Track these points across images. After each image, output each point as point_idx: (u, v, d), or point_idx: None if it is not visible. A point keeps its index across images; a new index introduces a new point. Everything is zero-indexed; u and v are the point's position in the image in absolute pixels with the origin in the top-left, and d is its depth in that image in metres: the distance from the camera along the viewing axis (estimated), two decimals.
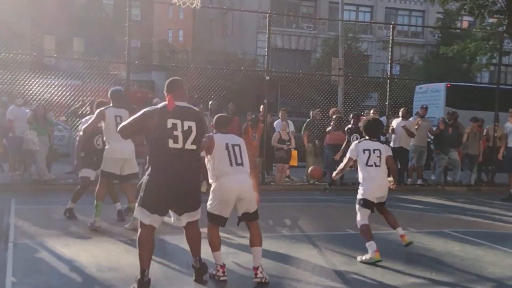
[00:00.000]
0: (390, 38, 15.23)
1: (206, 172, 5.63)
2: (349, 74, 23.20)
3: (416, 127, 14.09)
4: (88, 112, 9.89)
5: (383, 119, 15.17)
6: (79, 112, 11.76)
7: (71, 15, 32.79)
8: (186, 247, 5.55)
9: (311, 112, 15.09)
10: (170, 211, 5.23)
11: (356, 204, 7.00)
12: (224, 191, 5.48)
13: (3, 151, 12.87)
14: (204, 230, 5.54)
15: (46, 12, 33.19)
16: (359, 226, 6.87)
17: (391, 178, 7.09)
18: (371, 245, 6.60)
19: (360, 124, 7.37)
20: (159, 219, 5.05)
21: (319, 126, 14.51)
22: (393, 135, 14.19)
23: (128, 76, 12.86)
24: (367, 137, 7.03)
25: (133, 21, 13.57)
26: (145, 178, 5.07)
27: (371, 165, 6.82)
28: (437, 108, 20.15)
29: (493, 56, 20.56)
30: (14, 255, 6.37)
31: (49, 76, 15.30)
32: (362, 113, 14.00)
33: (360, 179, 6.98)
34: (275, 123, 15.09)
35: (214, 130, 5.83)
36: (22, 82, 14.04)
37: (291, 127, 14.62)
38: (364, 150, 6.86)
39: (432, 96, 21.49)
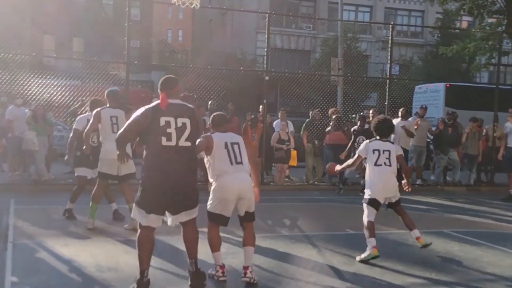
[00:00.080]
0: (390, 38, 15.23)
1: None
2: (349, 74, 23.22)
3: (416, 127, 14.09)
4: (87, 113, 9.90)
5: None
6: (79, 112, 11.77)
7: (71, 15, 32.78)
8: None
9: (311, 112, 15.08)
10: (166, 212, 5.17)
11: (363, 202, 7.00)
12: (225, 190, 5.46)
13: (2, 151, 12.87)
14: (204, 230, 5.54)
15: (46, 12, 33.21)
16: (364, 223, 6.86)
17: (405, 181, 7.06)
18: (371, 242, 6.61)
19: (371, 124, 7.35)
20: (156, 219, 5.01)
21: (319, 126, 14.50)
22: (392, 135, 14.18)
23: (127, 76, 12.86)
24: (377, 137, 7.03)
25: (132, 21, 13.57)
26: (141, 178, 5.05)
27: (380, 165, 6.80)
28: (437, 108, 20.16)
29: (492, 56, 20.57)
30: (14, 255, 6.37)
31: (48, 76, 15.31)
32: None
33: (367, 179, 6.98)
34: (274, 123, 15.08)
35: (212, 130, 5.80)
36: (21, 82, 14.05)
37: (291, 127, 14.61)
38: (374, 150, 6.85)
39: (431, 96, 21.49)
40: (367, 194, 6.93)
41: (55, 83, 15.04)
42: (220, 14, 40.28)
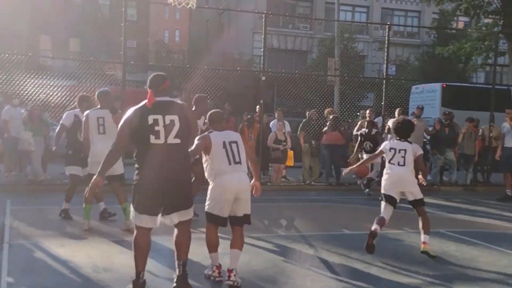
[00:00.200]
0: (386, 38, 15.24)
1: None
2: (345, 75, 23.26)
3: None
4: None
5: (379, 119, 15.22)
6: None
7: (68, 15, 32.73)
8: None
9: (307, 112, 15.08)
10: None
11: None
12: (222, 190, 5.42)
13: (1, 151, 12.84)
14: (203, 230, 5.52)
15: (43, 12, 33.16)
16: (382, 214, 7.12)
17: (421, 176, 7.25)
18: (375, 228, 6.90)
19: (390, 126, 7.53)
20: (149, 220, 4.90)
21: (315, 126, 14.50)
22: (389, 135, 14.19)
23: (124, 76, 12.82)
24: (397, 138, 7.26)
25: (129, 21, 13.55)
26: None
27: (394, 164, 7.05)
28: (433, 108, 20.15)
29: (489, 56, 20.62)
30: (10, 256, 6.35)
31: (45, 77, 15.27)
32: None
33: (383, 176, 7.27)
34: (271, 124, 15.09)
35: (209, 128, 5.75)
36: (18, 82, 14.02)
37: (287, 127, 14.61)
38: (391, 149, 7.14)
39: (428, 96, 21.49)
40: (381, 190, 7.21)
41: (52, 83, 15.01)
42: (217, 14, 40.30)
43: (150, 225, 4.94)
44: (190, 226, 5.16)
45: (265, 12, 15.25)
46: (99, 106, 7.97)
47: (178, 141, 4.86)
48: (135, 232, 5.00)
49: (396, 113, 14.23)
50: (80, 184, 8.54)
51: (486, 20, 21.97)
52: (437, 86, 21.37)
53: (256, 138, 13.75)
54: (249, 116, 14.34)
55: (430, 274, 6.21)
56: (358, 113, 15.10)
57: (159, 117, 4.81)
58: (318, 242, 7.67)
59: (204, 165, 5.58)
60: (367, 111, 14.86)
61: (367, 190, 12.49)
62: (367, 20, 39.29)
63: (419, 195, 7.05)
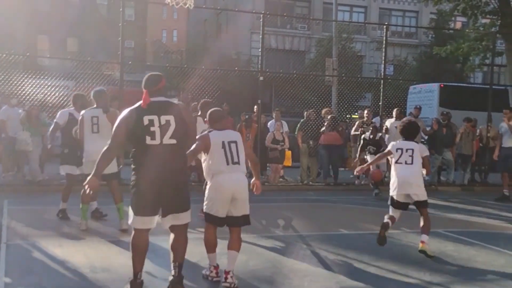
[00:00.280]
0: (384, 38, 15.26)
1: None
2: (343, 75, 23.24)
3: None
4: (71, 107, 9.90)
5: (377, 119, 15.24)
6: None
7: (65, 15, 32.73)
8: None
9: (305, 113, 15.09)
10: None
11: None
12: (219, 189, 5.41)
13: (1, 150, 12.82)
14: (201, 230, 5.52)
15: (40, 12, 33.14)
16: (389, 214, 7.27)
17: (425, 171, 7.37)
18: (388, 218, 7.12)
19: (398, 127, 7.75)
20: (146, 221, 4.84)
21: (313, 127, 14.50)
22: (387, 135, 14.22)
23: (121, 76, 12.83)
24: (403, 138, 7.34)
25: (127, 21, 13.55)
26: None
27: (401, 163, 7.11)
28: (431, 108, 20.19)
29: (486, 56, 20.64)
30: (7, 256, 6.35)
31: (42, 77, 15.26)
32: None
33: (391, 177, 7.37)
34: (269, 124, 15.09)
35: (209, 127, 5.73)
36: (15, 82, 14.00)
37: (285, 128, 14.62)
38: (397, 149, 7.20)
39: (425, 96, 21.53)
40: (391, 192, 7.28)
41: (50, 83, 15.00)
42: (215, 14, 40.28)
43: (147, 226, 4.90)
44: (187, 230, 5.09)
45: (263, 12, 15.27)
46: (95, 106, 7.97)
47: (174, 141, 4.79)
48: (132, 232, 4.96)
49: (394, 113, 14.28)
50: (76, 184, 8.55)
51: (484, 20, 21.98)
52: (435, 86, 21.42)
53: (254, 138, 13.76)
54: (247, 116, 14.35)
55: (427, 274, 6.22)
56: (356, 114, 15.09)
57: (155, 117, 4.75)
58: (315, 242, 7.68)
59: (203, 164, 5.56)
60: (365, 111, 14.88)
61: (376, 191, 12.39)
62: (365, 20, 39.32)
63: (423, 197, 7.10)
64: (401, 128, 7.43)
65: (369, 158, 11.96)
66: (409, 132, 7.34)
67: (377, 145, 12.24)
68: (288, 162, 14.27)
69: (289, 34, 38.22)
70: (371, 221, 9.47)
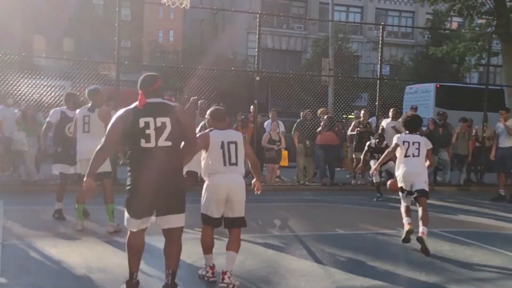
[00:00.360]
0: (380, 38, 15.28)
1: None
2: (339, 75, 23.31)
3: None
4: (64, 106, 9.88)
5: (373, 119, 15.25)
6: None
7: (61, 15, 32.65)
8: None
9: (302, 113, 15.09)
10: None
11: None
12: (213, 190, 5.39)
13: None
14: (198, 230, 5.50)
15: (37, 12, 33.07)
16: (401, 207, 7.67)
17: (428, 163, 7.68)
18: (406, 220, 7.42)
19: (400, 120, 8.24)
20: (141, 223, 4.81)
21: (310, 127, 14.51)
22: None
23: (117, 76, 12.81)
24: (407, 132, 7.73)
25: (123, 21, 13.54)
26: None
27: (409, 156, 7.44)
28: (427, 109, 20.21)
29: (482, 56, 20.66)
30: (3, 256, 6.33)
31: (38, 77, 15.23)
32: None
33: (396, 170, 7.71)
34: (265, 124, 15.09)
35: (210, 125, 5.70)
36: (11, 82, 13.97)
37: (282, 128, 14.62)
38: (404, 142, 7.51)
39: (421, 96, 21.55)
40: (399, 184, 7.61)
41: (45, 83, 14.97)
42: (211, 14, 40.28)
43: (137, 228, 4.83)
44: (181, 236, 4.96)
45: (259, 12, 15.28)
46: (89, 105, 7.96)
47: (169, 143, 4.71)
48: (128, 233, 4.94)
49: (390, 113, 14.28)
50: (70, 184, 8.53)
51: (480, 21, 22.00)
52: (431, 86, 21.44)
53: (250, 138, 13.74)
54: (243, 116, 14.34)
55: (423, 274, 6.22)
56: (352, 114, 15.10)
57: (150, 119, 4.68)
58: (312, 242, 7.68)
59: (202, 162, 5.54)
60: (361, 112, 14.89)
61: (378, 195, 12.12)
62: (361, 20, 39.36)
63: (426, 187, 7.39)
64: (404, 122, 7.79)
65: (372, 163, 12.01)
66: (413, 124, 7.73)
67: (383, 153, 12.21)
68: (284, 162, 14.27)
69: (286, 34, 38.25)
70: (367, 221, 9.48)
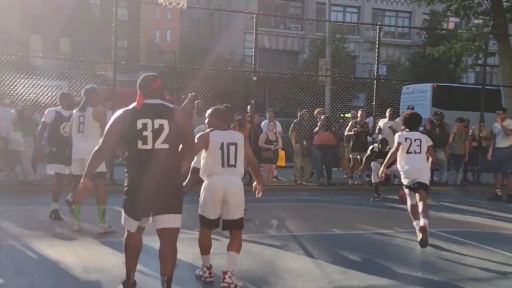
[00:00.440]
0: (377, 38, 15.29)
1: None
2: (336, 75, 23.27)
3: (403, 127, 14.12)
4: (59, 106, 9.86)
5: (370, 119, 15.27)
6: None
7: (58, 15, 32.60)
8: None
9: (299, 113, 15.10)
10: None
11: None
12: (210, 191, 5.38)
13: None
14: (196, 231, 5.49)
15: (33, 12, 33.00)
16: (407, 208, 7.79)
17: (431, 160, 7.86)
18: (417, 224, 7.45)
19: (400, 118, 8.41)
20: (134, 224, 4.77)
21: (307, 127, 14.51)
22: (380, 136, 14.25)
23: (114, 76, 12.80)
24: (407, 129, 7.90)
25: (120, 21, 13.52)
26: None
27: (411, 152, 7.61)
28: (424, 109, 20.21)
29: (479, 57, 20.69)
30: (0, 257, 6.33)
31: (35, 77, 15.21)
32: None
33: (399, 167, 7.81)
34: (262, 124, 15.09)
35: (206, 124, 5.70)
36: (8, 82, 13.95)
37: (279, 128, 14.62)
38: (406, 139, 7.68)
39: (418, 96, 21.58)
40: (402, 181, 7.79)
41: (42, 83, 14.94)
42: (208, 14, 40.26)
43: (133, 229, 4.81)
44: (177, 239, 4.86)
45: (256, 12, 15.25)
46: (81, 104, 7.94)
47: (166, 146, 4.65)
48: (125, 233, 4.92)
49: (387, 113, 14.30)
50: (66, 183, 8.52)
51: (476, 21, 22.04)
52: (428, 87, 21.47)
53: (247, 138, 13.71)
54: (240, 117, 14.31)
55: (420, 274, 6.24)
56: (348, 113, 15.10)
57: (148, 121, 4.63)
58: (309, 242, 7.69)
59: (202, 161, 5.53)
60: (359, 112, 14.90)
61: (375, 195, 12.08)
62: (358, 20, 39.40)
63: (427, 181, 7.56)
64: (404, 119, 7.94)
65: (373, 164, 12.09)
66: (412, 122, 7.88)
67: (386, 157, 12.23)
68: (281, 162, 14.28)
69: (283, 34, 38.26)
70: (364, 221, 9.49)
